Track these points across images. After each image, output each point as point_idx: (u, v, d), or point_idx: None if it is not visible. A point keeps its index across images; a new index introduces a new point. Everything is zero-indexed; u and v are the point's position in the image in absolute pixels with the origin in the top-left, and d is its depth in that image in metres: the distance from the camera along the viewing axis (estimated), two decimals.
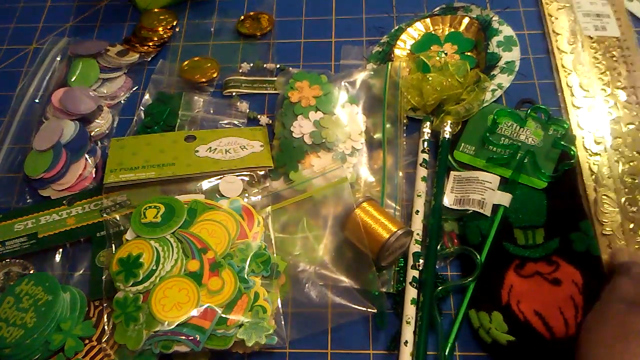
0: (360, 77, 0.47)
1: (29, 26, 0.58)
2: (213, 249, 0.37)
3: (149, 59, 0.53)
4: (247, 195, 0.42)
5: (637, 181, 0.41)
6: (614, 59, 0.47)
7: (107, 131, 0.49)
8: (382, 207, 0.41)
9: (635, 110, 0.45)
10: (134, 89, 0.52)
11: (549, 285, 0.37)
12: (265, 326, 0.35)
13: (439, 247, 0.39)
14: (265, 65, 0.51)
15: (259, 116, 0.48)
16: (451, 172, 0.43)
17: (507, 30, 0.50)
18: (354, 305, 0.37)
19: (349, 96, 0.46)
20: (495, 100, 0.46)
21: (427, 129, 0.44)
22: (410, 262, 0.39)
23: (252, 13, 0.55)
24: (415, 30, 0.52)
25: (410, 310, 0.37)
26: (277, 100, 0.49)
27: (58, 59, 0.53)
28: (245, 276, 0.36)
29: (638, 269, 0.34)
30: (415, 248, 0.39)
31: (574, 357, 0.33)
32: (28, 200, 0.45)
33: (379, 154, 0.44)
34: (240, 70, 0.52)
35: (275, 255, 0.39)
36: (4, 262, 0.41)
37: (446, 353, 0.36)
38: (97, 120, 0.48)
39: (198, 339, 0.34)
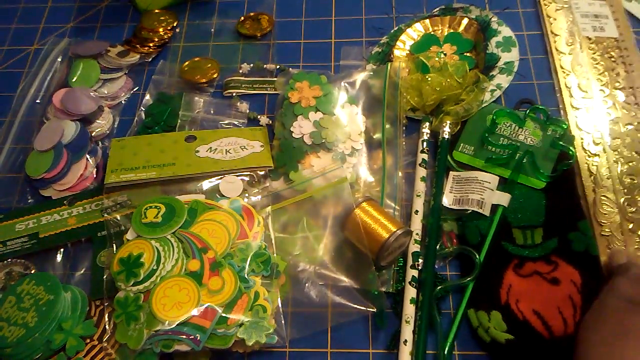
0: (359, 77, 0.47)
1: (30, 27, 0.58)
2: (213, 249, 0.37)
3: (150, 59, 0.53)
4: (247, 195, 0.42)
5: (635, 182, 0.41)
6: (613, 59, 0.48)
7: (107, 131, 0.49)
8: (382, 207, 0.41)
9: (633, 110, 0.45)
10: (134, 89, 0.52)
11: (548, 285, 0.37)
12: (265, 325, 0.35)
13: (438, 246, 0.39)
14: (265, 66, 0.52)
15: (259, 116, 0.49)
16: (450, 172, 0.43)
17: (506, 31, 0.50)
18: (353, 305, 0.37)
19: (349, 96, 0.47)
20: (494, 101, 0.46)
21: (426, 129, 0.44)
22: (410, 261, 0.39)
23: (252, 14, 0.56)
24: (415, 31, 0.52)
25: (409, 310, 0.37)
26: (277, 101, 0.49)
27: (59, 59, 0.53)
28: (246, 276, 0.36)
29: (636, 270, 0.34)
30: (414, 248, 0.39)
31: (572, 356, 0.33)
32: (29, 200, 0.46)
33: (378, 154, 0.44)
34: (241, 71, 0.52)
35: (275, 255, 0.39)
36: (5, 261, 0.42)
37: (445, 352, 0.36)
38: (97, 121, 0.49)
39: (198, 338, 0.34)
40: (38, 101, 0.50)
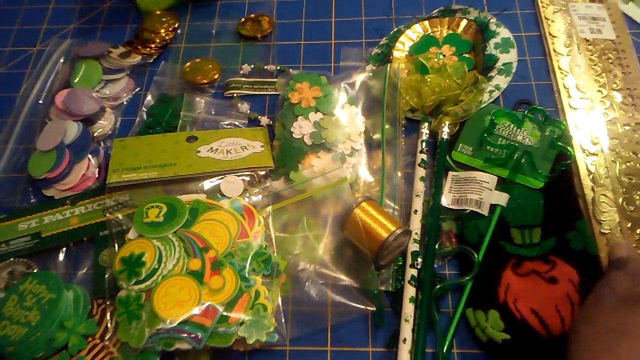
0: (359, 78, 0.48)
1: (32, 28, 0.58)
2: (214, 248, 0.38)
3: (151, 60, 0.54)
4: (248, 195, 0.42)
5: (634, 181, 0.41)
6: (610, 61, 0.48)
7: (109, 132, 0.49)
8: (381, 206, 0.41)
9: (631, 111, 0.45)
10: (136, 90, 0.52)
11: (546, 284, 0.37)
12: (265, 324, 0.35)
13: (437, 246, 0.40)
14: (265, 67, 0.52)
15: (259, 117, 0.49)
16: (449, 172, 0.43)
17: (504, 33, 0.50)
18: (353, 304, 0.38)
19: (349, 97, 0.47)
20: (492, 101, 0.47)
21: (425, 130, 0.45)
22: (409, 261, 0.39)
23: (252, 15, 0.56)
24: (414, 32, 0.52)
25: (408, 309, 0.37)
26: (278, 101, 0.49)
27: (61, 60, 0.53)
28: (246, 275, 0.37)
29: (634, 264, 0.34)
30: (413, 247, 0.39)
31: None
32: (32, 200, 0.46)
33: (378, 154, 0.44)
34: (241, 72, 0.52)
35: (275, 254, 0.39)
36: (8, 261, 0.42)
37: (444, 350, 0.36)
38: (99, 121, 0.49)
39: (200, 336, 0.34)
40: (41, 102, 0.51)
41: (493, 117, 0.44)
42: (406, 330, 0.36)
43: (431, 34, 0.52)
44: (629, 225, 0.40)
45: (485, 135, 0.43)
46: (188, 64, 0.52)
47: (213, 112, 0.50)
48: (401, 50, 0.51)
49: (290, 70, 0.51)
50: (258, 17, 0.56)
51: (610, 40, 0.49)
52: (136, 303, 0.35)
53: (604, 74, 0.47)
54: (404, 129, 0.46)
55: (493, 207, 0.40)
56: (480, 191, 0.41)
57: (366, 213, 0.39)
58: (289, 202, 0.42)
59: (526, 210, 0.40)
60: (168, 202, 0.40)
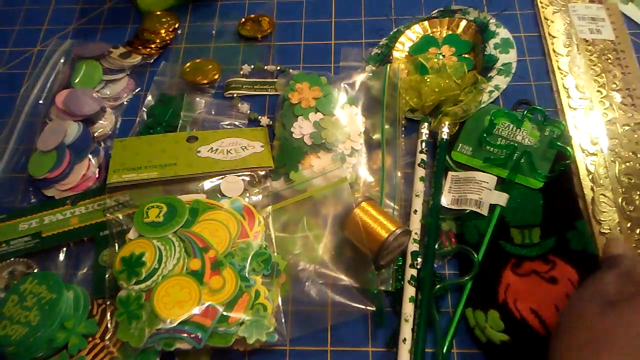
0: (359, 78, 0.48)
1: (33, 28, 0.58)
2: (214, 248, 0.38)
3: (152, 60, 0.54)
4: (248, 195, 0.42)
5: (633, 181, 0.42)
6: (609, 61, 0.48)
7: (110, 132, 0.49)
8: (381, 206, 0.41)
9: (630, 111, 0.45)
10: (136, 90, 0.52)
11: (546, 284, 0.37)
12: (265, 324, 0.35)
13: (437, 246, 0.40)
14: (265, 67, 0.52)
15: (259, 117, 0.49)
16: (449, 172, 0.43)
17: (504, 33, 0.50)
18: (353, 304, 0.38)
19: (349, 97, 0.47)
20: (492, 102, 0.47)
21: (425, 130, 0.45)
22: (409, 261, 0.39)
23: (252, 15, 0.56)
24: (414, 33, 0.52)
25: (408, 308, 0.37)
26: (278, 102, 0.49)
27: (62, 60, 0.53)
28: (246, 275, 0.37)
29: (629, 263, 0.33)
30: (413, 247, 0.40)
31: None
32: (32, 200, 0.46)
33: (378, 154, 0.45)
34: (241, 72, 0.52)
35: (275, 254, 0.39)
36: (8, 261, 0.42)
37: (444, 350, 0.36)
38: (100, 121, 0.49)
39: (200, 336, 0.34)
40: (41, 102, 0.51)
41: (492, 117, 0.44)
42: (406, 330, 0.36)
43: (431, 35, 0.52)
44: (629, 225, 0.40)
45: (485, 135, 0.43)
46: (188, 64, 0.52)
47: (213, 112, 0.50)
48: (401, 50, 0.51)
49: (290, 70, 0.51)
50: (258, 18, 0.56)
51: (609, 41, 0.49)
52: (136, 303, 0.35)
53: (603, 74, 0.47)
54: (403, 129, 0.46)
55: (493, 207, 0.40)
56: (479, 191, 0.41)
57: (366, 213, 0.39)
58: (289, 202, 0.42)
59: (526, 210, 0.40)
60: (168, 202, 0.40)
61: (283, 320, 0.37)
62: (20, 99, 0.51)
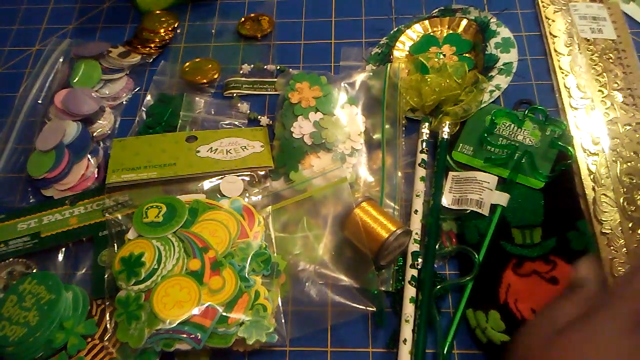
0: (359, 78, 0.48)
1: (31, 28, 0.58)
2: (214, 248, 0.38)
3: (151, 60, 0.54)
4: (247, 195, 0.42)
5: (635, 181, 0.41)
6: (611, 61, 0.48)
7: (109, 132, 0.49)
8: (381, 206, 0.41)
9: (632, 111, 0.45)
10: (135, 90, 0.52)
11: (547, 284, 0.37)
12: (265, 324, 0.35)
13: (437, 246, 0.40)
14: (265, 67, 0.52)
15: (259, 117, 0.49)
16: (449, 172, 0.43)
17: (505, 32, 0.50)
18: (353, 304, 0.38)
19: (349, 97, 0.47)
20: (493, 101, 0.47)
21: (425, 130, 0.45)
22: (409, 261, 0.39)
23: (252, 15, 0.56)
24: (414, 32, 0.52)
25: (409, 309, 0.37)
26: (278, 101, 0.49)
27: (60, 60, 0.53)
28: (246, 275, 0.37)
29: (591, 287, 0.30)
30: (414, 247, 0.39)
31: None
32: (31, 200, 0.46)
33: (378, 154, 0.44)
34: (241, 72, 0.52)
35: (275, 254, 0.39)
36: (7, 261, 0.42)
37: (445, 351, 0.36)
38: (99, 121, 0.49)
39: (199, 337, 0.34)
40: (40, 102, 0.51)
41: (493, 117, 0.44)
42: (406, 331, 0.36)
43: (431, 34, 0.52)
44: (630, 225, 0.40)
45: (486, 135, 0.43)
46: (188, 63, 0.52)
47: (213, 112, 0.50)
48: (401, 50, 0.51)
49: (290, 70, 0.51)
50: (258, 17, 0.56)
51: (611, 40, 0.49)
52: (135, 303, 0.35)
53: (604, 74, 0.47)
54: (404, 128, 0.46)
55: (493, 207, 0.40)
56: (480, 191, 0.41)
57: (366, 213, 0.39)
58: (289, 202, 0.42)
59: (527, 210, 0.40)
60: (168, 202, 0.40)
61: (283, 320, 0.37)
62: (18, 98, 0.51)
